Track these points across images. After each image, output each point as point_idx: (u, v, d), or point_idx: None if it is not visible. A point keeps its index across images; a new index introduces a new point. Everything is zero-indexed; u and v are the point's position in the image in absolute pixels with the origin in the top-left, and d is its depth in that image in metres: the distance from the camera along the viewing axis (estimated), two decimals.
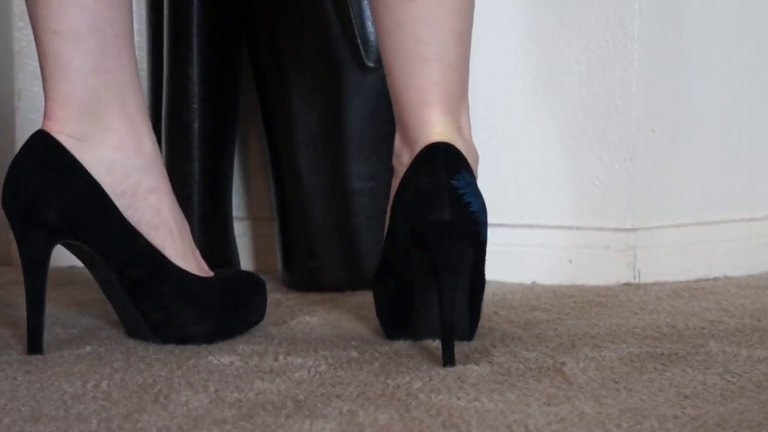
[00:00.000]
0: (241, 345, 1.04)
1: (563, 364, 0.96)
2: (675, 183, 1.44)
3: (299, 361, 0.98)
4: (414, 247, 0.96)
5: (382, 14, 1.00)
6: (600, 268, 1.40)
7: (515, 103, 1.44)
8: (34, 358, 0.99)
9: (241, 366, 0.96)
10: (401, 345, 1.04)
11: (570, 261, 1.41)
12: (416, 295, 1.04)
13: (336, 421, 0.79)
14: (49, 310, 1.13)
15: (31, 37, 1.03)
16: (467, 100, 1.02)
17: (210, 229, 1.43)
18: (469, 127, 1.02)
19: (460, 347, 0.99)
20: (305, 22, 1.35)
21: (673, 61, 1.43)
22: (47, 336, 1.04)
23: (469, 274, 1.01)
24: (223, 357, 0.99)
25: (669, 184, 1.44)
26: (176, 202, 1.06)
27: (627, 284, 1.40)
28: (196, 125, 1.42)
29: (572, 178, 1.43)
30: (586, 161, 1.42)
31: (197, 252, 1.07)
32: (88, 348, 1.03)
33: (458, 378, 0.91)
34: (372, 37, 1.35)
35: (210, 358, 0.99)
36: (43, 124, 1.00)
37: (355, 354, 1.00)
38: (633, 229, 1.41)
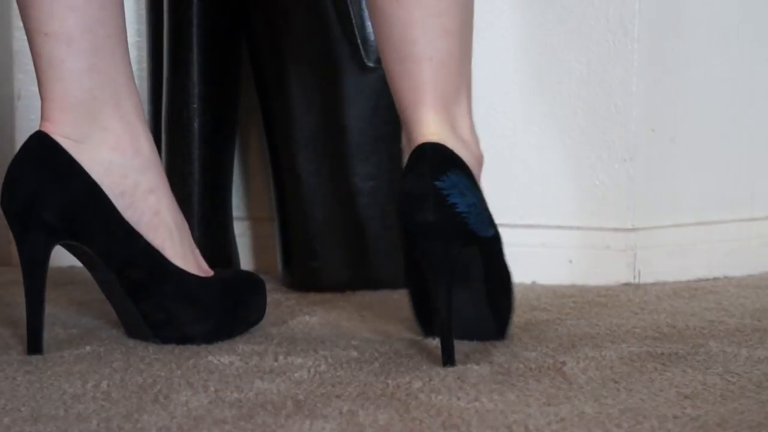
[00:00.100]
0: (241, 345, 1.04)
1: (563, 364, 0.96)
2: (675, 183, 1.44)
3: (299, 361, 0.97)
4: (410, 249, 0.97)
5: (373, 15, 1.00)
6: (600, 268, 1.40)
7: (515, 103, 1.44)
8: (34, 358, 0.99)
9: (241, 366, 0.96)
10: (401, 345, 1.04)
11: (570, 261, 1.41)
12: (432, 294, 1.04)
13: (336, 421, 0.79)
14: (49, 310, 1.13)
15: None
16: (467, 98, 1.01)
17: (210, 229, 1.43)
18: (470, 125, 1.01)
19: (460, 347, 0.99)
20: (305, 22, 1.35)
21: (673, 61, 1.43)
22: (47, 336, 1.04)
23: (483, 274, 1.01)
24: (223, 357, 0.99)
25: (669, 184, 1.44)
26: (175, 202, 1.06)
27: (627, 284, 1.39)
28: (196, 125, 1.42)
29: (572, 178, 1.43)
30: (586, 161, 1.42)
31: (197, 252, 1.07)
32: (88, 348, 1.03)
33: (458, 378, 0.91)
34: (372, 37, 1.35)
35: (210, 358, 0.99)
36: (41, 125, 1.00)
37: (355, 354, 1.00)
38: (633, 229, 1.41)
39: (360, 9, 1.35)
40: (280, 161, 1.39)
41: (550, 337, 1.07)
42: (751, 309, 1.21)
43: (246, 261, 1.55)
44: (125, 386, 0.89)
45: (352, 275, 1.37)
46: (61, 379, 0.91)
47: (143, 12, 1.51)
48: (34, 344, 1.00)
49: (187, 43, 1.41)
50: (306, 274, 1.38)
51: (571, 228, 1.42)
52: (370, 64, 1.35)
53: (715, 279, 1.43)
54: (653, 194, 1.42)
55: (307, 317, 1.18)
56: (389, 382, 0.90)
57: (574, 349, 1.02)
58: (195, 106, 1.42)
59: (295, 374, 0.93)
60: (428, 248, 0.94)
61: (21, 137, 1.62)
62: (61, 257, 1.17)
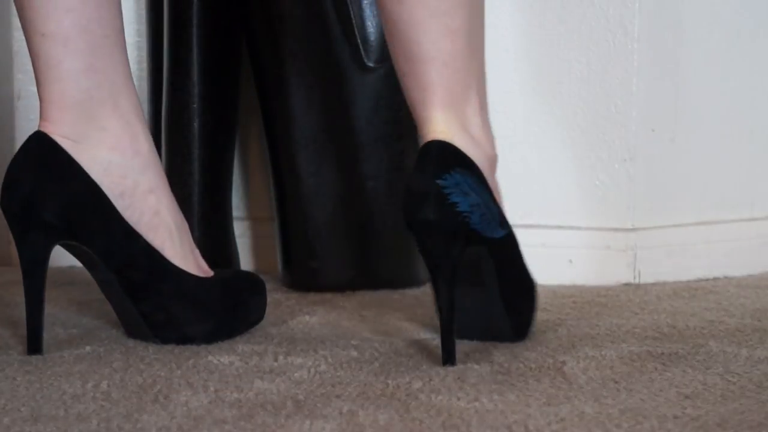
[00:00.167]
0: (241, 345, 1.04)
1: (563, 364, 0.96)
2: (675, 183, 1.44)
3: (299, 361, 0.97)
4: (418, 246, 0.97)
5: (380, 15, 1.00)
6: (600, 268, 1.40)
7: (515, 103, 1.44)
8: (34, 358, 0.99)
9: (241, 366, 0.96)
10: (401, 345, 1.04)
11: (570, 261, 1.41)
12: (434, 292, 1.04)
13: (336, 421, 0.79)
14: (49, 310, 1.13)
15: None
16: (478, 97, 1.01)
17: (210, 229, 1.43)
18: (482, 123, 1.01)
19: (460, 347, 0.99)
20: (305, 22, 1.35)
21: (673, 61, 1.43)
22: (47, 336, 1.04)
23: (496, 275, 1.00)
24: (223, 357, 0.99)
25: (669, 184, 1.44)
26: (175, 202, 1.06)
27: (627, 284, 1.39)
28: (196, 125, 1.42)
29: (572, 178, 1.43)
30: (586, 161, 1.42)
31: (197, 252, 1.07)
32: (87, 348, 1.03)
33: (458, 378, 0.91)
34: (372, 37, 1.35)
35: (210, 358, 0.99)
36: (40, 125, 1.00)
37: (355, 354, 1.00)
38: (633, 229, 1.41)
39: (360, 9, 1.35)
40: (280, 161, 1.39)
41: (550, 337, 1.07)
42: (751, 309, 1.21)
43: (246, 261, 1.55)
44: (125, 386, 0.89)
45: (352, 275, 1.37)
46: (61, 379, 0.91)
47: (143, 12, 1.51)
48: (34, 344, 1.00)
49: (187, 43, 1.41)
50: (306, 274, 1.38)
51: (571, 228, 1.42)
52: (370, 64, 1.35)
53: (715, 279, 1.43)
54: (653, 194, 1.42)
55: (307, 317, 1.18)
56: (389, 382, 0.90)
57: (574, 349, 1.02)
58: (195, 106, 1.42)
59: (295, 374, 0.93)
60: (429, 246, 0.94)
61: (21, 137, 1.62)
62: (61, 257, 1.17)
